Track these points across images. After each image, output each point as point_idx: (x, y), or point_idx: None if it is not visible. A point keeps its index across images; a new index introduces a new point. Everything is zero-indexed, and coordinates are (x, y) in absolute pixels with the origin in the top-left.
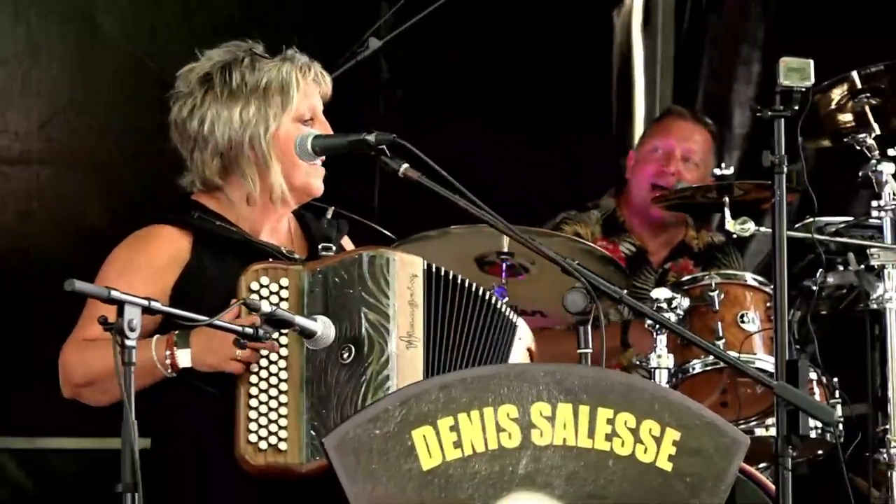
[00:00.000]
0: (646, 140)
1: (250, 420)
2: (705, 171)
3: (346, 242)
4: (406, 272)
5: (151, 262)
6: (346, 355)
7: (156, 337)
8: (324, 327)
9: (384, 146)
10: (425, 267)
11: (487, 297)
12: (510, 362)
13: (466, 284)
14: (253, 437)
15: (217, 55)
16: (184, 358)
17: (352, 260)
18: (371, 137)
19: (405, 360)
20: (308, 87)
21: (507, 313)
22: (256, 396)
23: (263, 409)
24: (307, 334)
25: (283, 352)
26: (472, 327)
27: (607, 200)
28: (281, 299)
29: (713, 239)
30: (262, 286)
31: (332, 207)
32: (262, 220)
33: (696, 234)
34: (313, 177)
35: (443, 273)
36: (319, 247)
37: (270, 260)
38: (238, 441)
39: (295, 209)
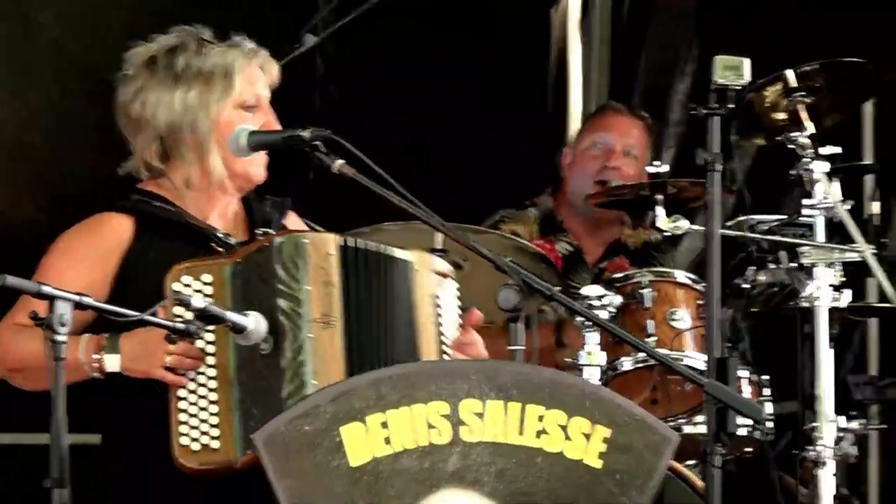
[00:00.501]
0: (583, 136)
1: (181, 423)
2: (644, 165)
3: (293, 221)
4: (319, 253)
5: (93, 249)
6: (264, 347)
7: (86, 337)
8: (255, 322)
9: (319, 142)
10: (340, 243)
11: (378, 249)
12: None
13: (371, 248)
14: (185, 440)
15: (165, 39)
16: (112, 363)
17: (263, 249)
18: (306, 133)
19: (322, 341)
20: (253, 74)
21: (395, 255)
22: (185, 398)
23: (193, 409)
24: (238, 330)
25: (210, 349)
26: (380, 289)
27: (545, 199)
28: (205, 295)
29: (649, 237)
30: (184, 286)
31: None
32: (207, 205)
33: (632, 232)
34: (254, 164)
35: (358, 246)
36: (257, 231)
37: (194, 260)
38: (172, 444)
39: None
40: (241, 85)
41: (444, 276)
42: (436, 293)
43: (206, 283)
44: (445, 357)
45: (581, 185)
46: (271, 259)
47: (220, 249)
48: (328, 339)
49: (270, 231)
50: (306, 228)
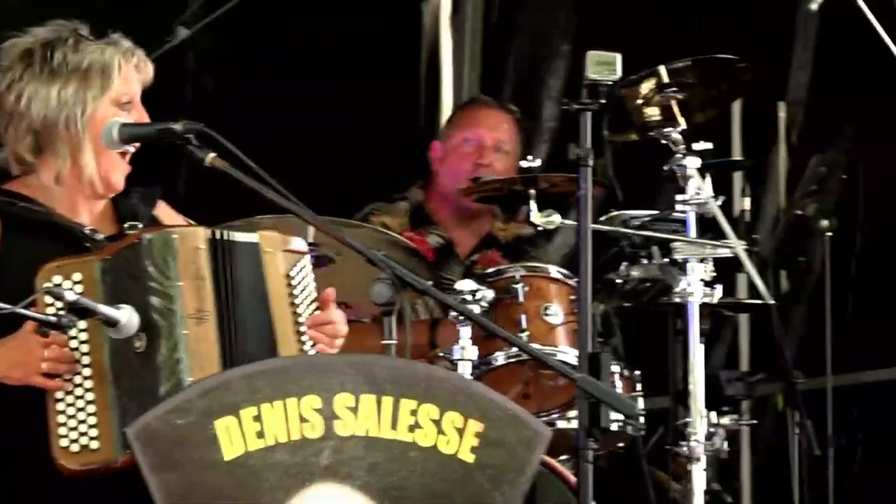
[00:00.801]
0: (453, 131)
1: (59, 424)
2: (515, 159)
3: (164, 211)
4: (188, 247)
5: None
6: (138, 344)
7: None
8: (128, 316)
9: (191, 135)
10: (209, 236)
11: (233, 238)
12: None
13: (237, 238)
14: (64, 442)
15: (42, 32)
16: None
17: (133, 246)
18: (178, 126)
19: (197, 337)
20: (129, 72)
21: (242, 240)
22: (63, 399)
23: (71, 410)
24: (111, 323)
25: (85, 348)
26: (245, 278)
27: (415, 192)
28: (76, 294)
29: (521, 231)
30: (55, 286)
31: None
32: (76, 201)
33: (504, 225)
34: (115, 171)
35: (226, 237)
36: (125, 226)
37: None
38: (52, 446)
39: None
40: (118, 83)
41: (299, 253)
42: (289, 272)
43: (76, 282)
44: (302, 339)
45: (453, 182)
46: (141, 256)
47: (88, 246)
48: (203, 335)
49: (138, 224)
50: (178, 220)
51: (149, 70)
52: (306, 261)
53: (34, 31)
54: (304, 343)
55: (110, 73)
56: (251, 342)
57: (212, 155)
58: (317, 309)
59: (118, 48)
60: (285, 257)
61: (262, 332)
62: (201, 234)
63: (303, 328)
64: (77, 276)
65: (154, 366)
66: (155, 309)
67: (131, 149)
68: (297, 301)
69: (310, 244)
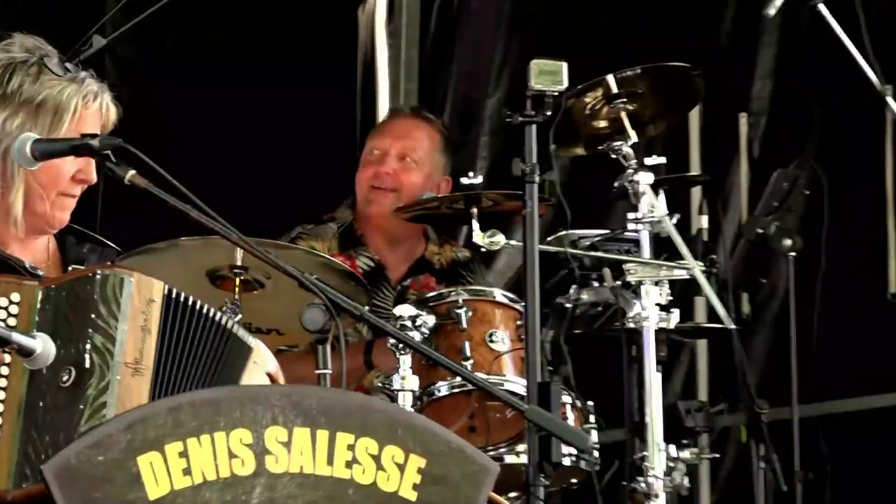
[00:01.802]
0: (366, 143)
1: None
2: (431, 171)
3: None
4: (143, 296)
5: None
6: (66, 378)
7: None
8: (43, 345)
9: (109, 151)
10: (165, 292)
11: (224, 322)
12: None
13: (205, 310)
14: None
15: (12, 50)
16: None
17: (85, 279)
18: (95, 142)
19: (128, 387)
20: (86, 117)
21: (241, 337)
22: None
23: None
24: (25, 352)
25: (5, 370)
26: (206, 356)
27: (344, 212)
28: (10, 315)
29: (457, 254)
30: None
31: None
32: (7, 241)
33: (439, 248)
34: (59, 209)
35: (182, 299)
36: (70, 268)
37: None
38: None
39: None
40: (68, 125)
41: (273, 380)
42: None
43: (13, 302)
44: None
45: (360, 193)
46: (93, 290)
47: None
48: (135, 387)
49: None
50: None
51: (112, 114)
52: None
53: (8, 47)
54: None
55: (63, 114)
56: None
57: (132, 172)
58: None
59: (80, 89)
60: (264, 377)
61: None
62: (159, 287)
63: None
64: (16, 297)
65: (78, 403)
66: (94, 346)
67: (77, 191)
68: None
69: (237, 267)
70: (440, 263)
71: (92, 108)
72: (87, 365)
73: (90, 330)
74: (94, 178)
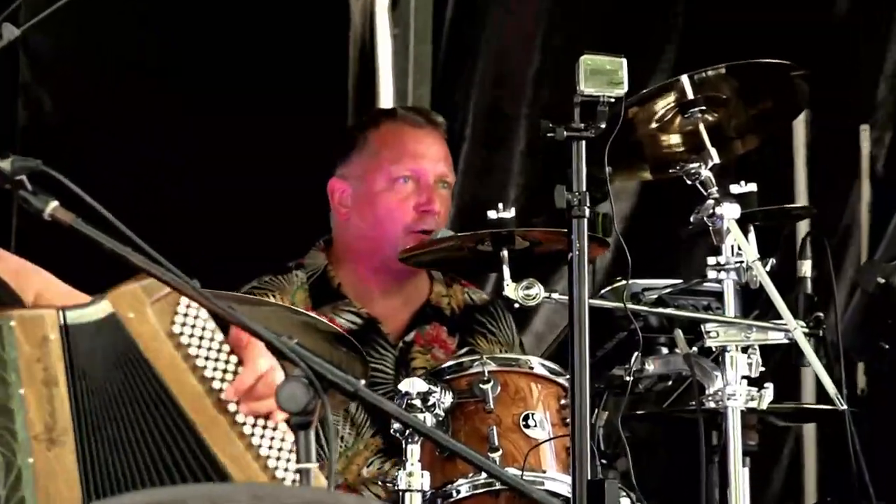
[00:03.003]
0: (373, 163)
1: None
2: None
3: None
4: (33, 337)
5: None
6: None
7: None
8: None
9: (24, 176)
10: (62, 321)
11: (99, 314)
12: None
13: (103, 312)
14: None
15: None
16: None
17: None
18: (6, 165)
19: (48, 468)
20: None
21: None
22: None
23: None
24: None
25: None
26: (146, 390)
27: (315, 257)
28: None
29: (470, 296)
30: None
31: None
32: None
33: (447, 290)
34: None
35: (87, 321)
36: None
37: None
38: None
39: None
40: None
41: (171, 295)
42: (171, 330)
43: None
44: (237, 419)
45: (389, 242)
46: None
47: None
48: (57, 463)
49: None
50: (11, 267)
51: None
52: (184, 300)
53: None
54: (242, 425)
55: None
56: (144, 458)
57: (53, 204)
58: (237, 364)
59: None
60: (158, 311)
61: (164, 435)
62: (50, 318)
63: (231, 405)
64: None
65: None
66: None
67: None
68: (200, 364)
69: None
70: (451, 309)
71: None
72: None
73: None
74: None
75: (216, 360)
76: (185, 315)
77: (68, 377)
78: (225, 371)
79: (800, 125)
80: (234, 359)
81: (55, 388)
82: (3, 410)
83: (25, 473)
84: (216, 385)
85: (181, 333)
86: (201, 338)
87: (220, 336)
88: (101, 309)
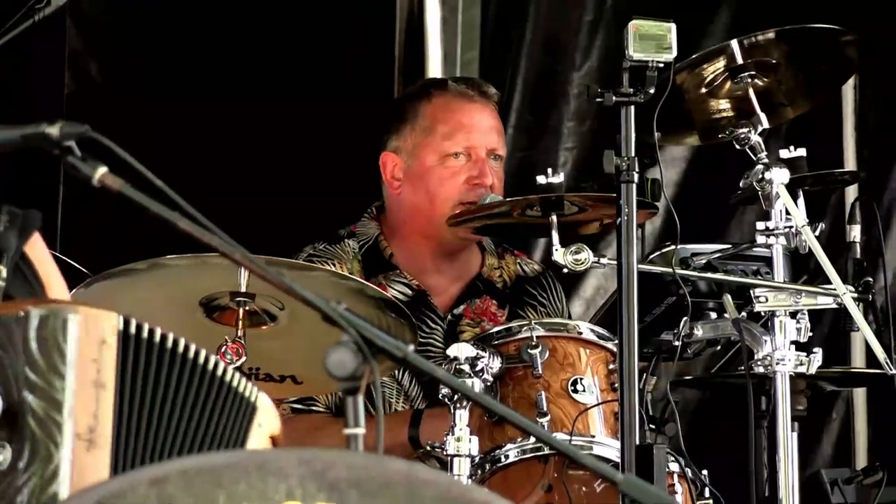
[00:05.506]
0: (423, 138)
1: None
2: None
3: (37, 251)
4: (93, 338)
5: None
6: (1, 458)
7: None
8: None
9: (72, 142)
10: (121, 327)
11: (212, 367)
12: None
13: (182, 349)
14: None
15: None
16: None
17: (14, 319)
18: (54, 130)
19: (83, 468)
20: None
21: (241, 390)
22: None
23: None
24: None
25: None
26: (187, 413)
27: (367, 225)
28: None
29: (523, 268)
30: None
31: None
32: None
33: (499, 261)
34: None
35: (147, 335)
36: None
37: None
38: None
39: None
40: None
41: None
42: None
43: None
44: None
45: (438, 213)
46: (27, 336)
47: None
48: (91, 467)
49: (2, 266)
50: (53, 268)
51: None
52: None
53: None
54: None
55: None
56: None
57: (102, 170)
58: None
59: None
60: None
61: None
62: (111, 322)
63: None
64: None
65: (17, 498)
66: (32, 412)
67: None
68: None
69: (241, 294)
70: (503, 281)
71: None
72: (28, 440)
73: (26, 391)
74: None
75: None
76: None
77: (117, 385)
78: None
79: (849, 90)
80: None
81: (103, 390)
82: (53, 401)
83: (63, 470)
84: None
85: None
86: None
87: None
88: (254, 390)
